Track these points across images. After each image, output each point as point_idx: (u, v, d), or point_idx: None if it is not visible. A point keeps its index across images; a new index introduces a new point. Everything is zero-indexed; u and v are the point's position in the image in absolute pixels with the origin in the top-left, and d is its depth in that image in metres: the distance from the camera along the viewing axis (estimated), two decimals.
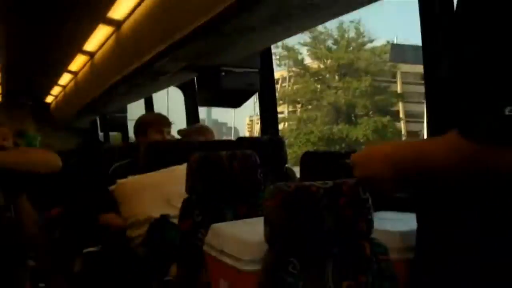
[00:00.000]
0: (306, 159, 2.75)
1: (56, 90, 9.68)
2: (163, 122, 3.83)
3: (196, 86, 4.50)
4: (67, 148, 9.69)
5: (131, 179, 3.23)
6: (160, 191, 3.09)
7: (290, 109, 31.39)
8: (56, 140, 10.55)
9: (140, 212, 3.05)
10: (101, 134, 10.01)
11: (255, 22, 3.03)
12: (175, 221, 2.69)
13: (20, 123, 11.26)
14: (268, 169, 3.23)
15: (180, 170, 2.85)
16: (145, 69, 4.58)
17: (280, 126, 29.38)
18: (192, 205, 2.50)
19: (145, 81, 5.18)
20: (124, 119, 8.59)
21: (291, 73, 31.42)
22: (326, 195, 1.65)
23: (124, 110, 8.54)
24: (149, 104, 7.42)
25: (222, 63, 4.11)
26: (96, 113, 8.98)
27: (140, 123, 3.93)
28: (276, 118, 4.49)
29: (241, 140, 4.18)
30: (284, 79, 32.67)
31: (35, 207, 2.85)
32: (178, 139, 4.29)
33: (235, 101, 4.46)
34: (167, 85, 5.72)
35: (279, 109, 31.35)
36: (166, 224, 2.88)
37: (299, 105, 30.50)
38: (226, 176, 2.53)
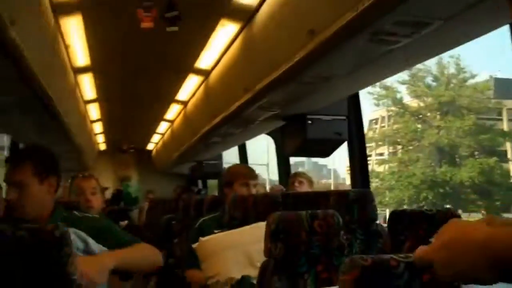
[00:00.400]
0: (394, 218, 2.50)
1: (155, 138, 10.01)
2: (249, 175, 3.70)
3: (282, 135, 4.39)
4: (167, 193, 9.96)
5: (212, 237, 3.10)
6: (241, 250, 2.93)
7: (390, 150, 30.43)
8: (156, 186, 10.91)
9: (221, 273, 2.91)
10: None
11: (337, 70, 2.88)
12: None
13: (124, 168, 11.83)
14: (356, 226, 2.97)
15: (263, 228, 2.69)
16: (234, 117, 4.57)
17: (381, 169, 28.27)
18: (270, 269, 2.33)
19: (234, 129, 5.17)
20: (219, 166, 8.64)
21: (390, 113, 30.58)
22: (408, 270, 1.41)
23: (219, 157, 8.56)
24: (242, 152, 7.41)
25: (308, 111, 3.98)
26: (193, 160, 9.11)
27: (226, 175, 3.84)
28: (366, 167, 4.24)
29: (327, 194, 4.00)
30: (383, 119, 31.87)
31: None
32: (264, 193, 4.17)
33: (323, 151, 4.30)
34: (257, 133, 5.67)
35: (379, 150, 30.53)
36: (247, 286, 2.72)
37: (399, 146, 29.48)
38: (306, 237, 2.33)
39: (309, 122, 4.01)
